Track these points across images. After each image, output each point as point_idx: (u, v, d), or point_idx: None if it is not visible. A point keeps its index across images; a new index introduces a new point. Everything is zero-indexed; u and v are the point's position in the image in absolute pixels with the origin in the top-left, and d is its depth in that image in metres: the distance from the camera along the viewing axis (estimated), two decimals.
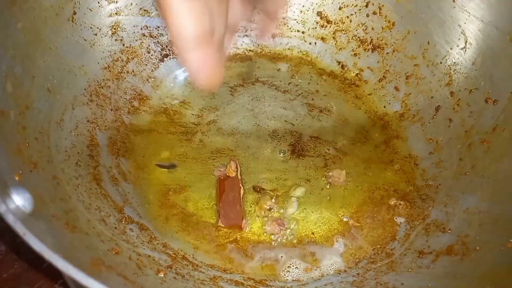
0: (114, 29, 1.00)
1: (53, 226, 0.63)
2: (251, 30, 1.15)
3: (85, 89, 0.92)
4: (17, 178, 0.63)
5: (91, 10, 0.95)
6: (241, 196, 0.86)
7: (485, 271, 0.66)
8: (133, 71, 1.03)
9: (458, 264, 0.72)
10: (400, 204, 0.89)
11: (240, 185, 0.88)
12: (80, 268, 0.50)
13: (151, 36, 1.07)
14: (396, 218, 0.87)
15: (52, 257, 0.45)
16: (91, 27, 0.95)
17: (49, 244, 0.50)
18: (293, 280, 0.79)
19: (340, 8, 1.13)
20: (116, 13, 1.00)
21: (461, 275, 0.69)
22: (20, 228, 0.46)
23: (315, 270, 0.81)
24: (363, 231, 0.86)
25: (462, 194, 0.85)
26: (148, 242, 0.79)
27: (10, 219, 0.47)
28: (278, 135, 1.00)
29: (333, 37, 1.15)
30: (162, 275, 0.72)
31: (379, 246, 0.83)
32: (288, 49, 1.16)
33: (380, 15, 1.10)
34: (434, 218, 0.85)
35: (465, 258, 0.72)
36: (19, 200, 0.55)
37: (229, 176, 0.89)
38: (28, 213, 0.55)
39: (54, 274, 0.83)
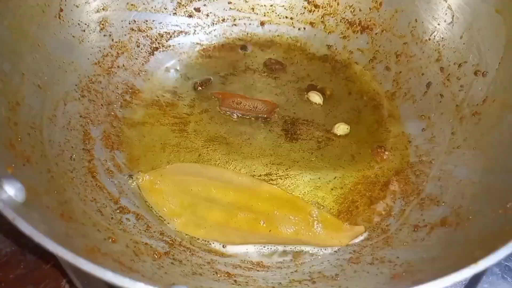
0: (102, 24, 1.01)
1: (47, 216, 0.64)
2: (239, 19, 1.15)
3: (76, 85, 0.93)
4: (9, 171, 0.64)
5: (77, 7, 0.96)
6: None
7: (476, 238, 0.66)
8: (123, 65, 1.04)
9: (452, 234, 0.72)
10: (394, 181, 0.89)
11: None
12: (74, 252, 0.51)
13: (139, 30, 1.07)
14: (391, 195, 0.88)
15: (42, 239, 0.46)
16: (78, 24, 0.96)
17: (43, 230, 0.51)
18: (290, 260, 0.79)
19: None
20: (103, 9, 1.01)
21: (454, 244, 0.69)
22: (9, 213, 0.47)
23: (312, 248, 0.81)
24: (358, 209, 0.86)
25: (455, 167, 0.85)
26: (145, 231, 0.80)
27: (0, 206, 0.48)
28: (270, 121, 1.01)
29: (322, 21, 1.15)
30: (160, 261, 0.73)
31: (374, 224, 0.84)
32: (277, 35, 1.16)
33: None
34: (428, 192, 0.85)
35: (459, 228, 0.72)
36: (11, 190, 0.56)
37: None
38: (20, 202, 0.56)
39: (60, 273, 0.84)
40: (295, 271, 0.77)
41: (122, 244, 0.72)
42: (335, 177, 0.91)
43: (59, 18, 0.92)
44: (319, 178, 0.91)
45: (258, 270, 0.77)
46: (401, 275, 0.67)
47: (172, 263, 0.74)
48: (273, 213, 0.83)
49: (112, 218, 0.78)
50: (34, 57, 0.84)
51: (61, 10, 0.92)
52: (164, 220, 0.83)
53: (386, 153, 0.93)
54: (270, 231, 0.81)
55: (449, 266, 0.58)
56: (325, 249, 0.80)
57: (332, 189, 0.89)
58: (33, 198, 0.63)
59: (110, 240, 0.71)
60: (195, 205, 0.85)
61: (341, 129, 0.99)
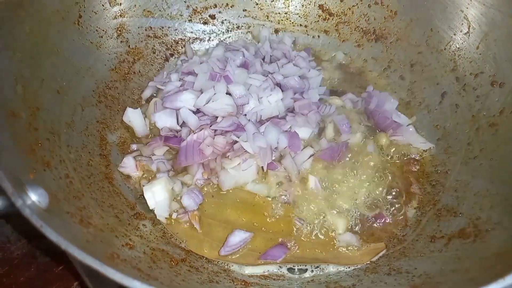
0: (119, 31, 1.02)
1: (68, 222, 0.64)
2: (254, 27, 1.16)
3: (93, 91, 0.94)
4: (31, 176, 0.65)
5: (96, 13, 0.97)
6: None
7: (496, 251, 0.65)
8: (139, 71, 1.05)
9: (470, 246, 0.72)
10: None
11: None
12: (98, 259, 0.51)
13: (155, 37, 1.08)
14: (407, 205, 0.88)
15: (69, 247, 0.46)
16: (96, 30, 0.97)
17: (67, 237, 0.52)
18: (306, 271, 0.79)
19: (341, 0, 1.14)
20: (120, 15, 1.02)
21: (474, 257, 0.69)
22: (37, 221, 0.47)
23: None
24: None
25: (472, 178, 0.85)
26: (162, 237, 0.80)
27: (27, 213, 0.48)
28: None
29: (336, 29, 1.15)
30: (177, 268, 0.73)
31: (390, 233, 0.84)
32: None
33: (382, 5, 1.10)
34: (445, 203, 0.85)
35: (477, 240, 0.72)
36: (35, 196, 0.56)
37: None
38: (44, 208, 0.56)
39: (70, 276, 0.85)
40: (311, 280, 0.77)
41: (140, 251, 0.73)
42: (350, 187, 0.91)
43: (78, 24, 0.93)
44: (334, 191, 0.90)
45: (274, 279, 0.77)
46: (420, 287, 0.67)
47: (189, 270, 0.74)
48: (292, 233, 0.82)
49: (129, 224, 0.79)
50: (53, 63, 0.85)
51: (80, 16, 0.93)
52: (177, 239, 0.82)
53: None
54: (290, 254, 0.80)
55: (470, 280, 0.58)
56: None
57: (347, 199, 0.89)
58: (53, 204, 0.63)
59: (128, 246, 0.72)
60: (210, 226, 0.83)
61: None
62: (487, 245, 0.69)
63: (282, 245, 0.80)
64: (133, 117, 0.95)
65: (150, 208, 0.83)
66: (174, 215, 0.83)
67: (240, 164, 0.85)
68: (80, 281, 0.85)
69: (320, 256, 0.79)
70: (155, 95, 1.03)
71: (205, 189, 0.87)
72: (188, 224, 0.82)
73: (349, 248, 0.81)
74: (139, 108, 0.96)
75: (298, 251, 0.80)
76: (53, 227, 0.51)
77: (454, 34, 1.00)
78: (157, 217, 0.82)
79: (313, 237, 0.82)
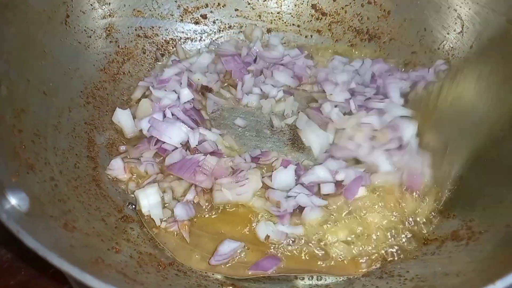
0: (108, 30, 1.00)
1: (51, 225, 0.63)
2: (246, 27, 1.15)
3: (81, 92, 0.92)
4: (13, 180, 0.63)
5: (84, 13, 0.95)
6: None
7: (490, 254, 0.64)
8: (129, 72, 1.03)
9: (464, 248, 0.70)
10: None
11: None
12: (78, 265, 0.50)
13: (145, 37, 1.07)
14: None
15: (46, 253, 0.45)
16: (85, 30, 0.96)
17: (47, 243, 0.50)
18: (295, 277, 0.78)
19: (334, 0, 1.13)
20: (109, 15, 1.00)
21: (467, 260, 0.67)
22: (13, 226, 0.46)
23: None
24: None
25: (465, 180, 0.83)
26: (149, 240, 0.78)
27: (3, 217, 0.47)
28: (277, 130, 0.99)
29: (329, 29, 1.14)
30: (164, 272, 0.71)
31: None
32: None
33: (375, 4, 1.09)
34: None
35: (471, 242, 0.71)
36: (14, 200, 0.55)
37: None
38: (24, 212, 0.55)
39: (61, 279, 0.83)
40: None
41: (126, 255, 0.71)
42: None
43: (66, 24, 0.92)
44: None
45: (264, 282, 0.76)
46: None
47: (176, 274, 0.73)
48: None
49: (116, 227, 0.77)
50: (40, 64, 0.84)
51: (68, 16, 0.92)
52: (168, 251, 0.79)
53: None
54: (282, 265, 0.77)
55: (463, 283, 0.56)
56: None
57: None
58: (36, 208, 0.62)
59: (113, 250, 0.70)
60: (199, 237, 0.80)
61: None
62: (480, 248, 0.68)
63: (274, 256, 0.78)
64: (122, 117, 0.93)
65: (143, 212, 0.80)
66: (163, 224, 0.81)
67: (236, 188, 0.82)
68: (70, 285, 0.83)
69: (314, 267, 0.77)
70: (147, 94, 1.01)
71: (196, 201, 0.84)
72: (176, 234, 0.80)
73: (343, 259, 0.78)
74: (128, 109, 0.95)
75: (291, 261, 0.78)
76: (32, 232, 0.49)
77: (448, 34, 0.99)
78: (153, 218, 0.80)
79: (306, 251, 0.79)
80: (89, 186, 0.81)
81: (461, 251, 0.70)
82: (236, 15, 1.14)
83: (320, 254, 0.78)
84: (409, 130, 0.84)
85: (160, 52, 1.08)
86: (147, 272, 0.69)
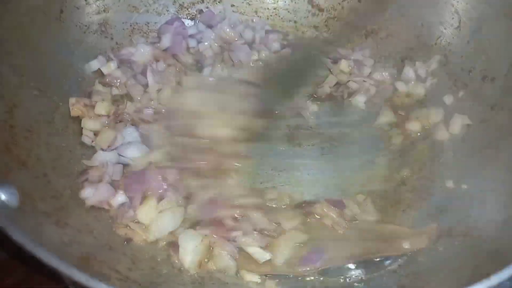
0: (103, 26, 1.00)
1: (42, 222, 0.62)
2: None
3: (75, 88, 0.92)
4: (5, 176, 0.63)
5: (78, 8, 0.95)
6: None
7: (488, 249, 0.64)
8: None
9: (460, 244, 0.70)
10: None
11: None
12: (69, 262, 0.49)
13: (141, 32, 1.06)
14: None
15: (34, 248, 0.44)
16: (79, 25, 0.95)
17: (37, 238, 0.50)
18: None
19: None
20: (104, 10, 0.99)
21: (463, 255, 0.67)
22: (1, 221, 0.45)
23: None
24: None
25: (463, 176, 0.83)
26: None
27: None
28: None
29: (326, 25, 1.13)
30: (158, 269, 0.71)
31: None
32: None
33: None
34: (435, 200, 0.83)
35: (467, 239, 0.70)
36: (4, 195, 0.54)
37: None
38: (13, 208, 0.54)
39: (57, 279, 0.82)
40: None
41: (119, 251, 0.71)
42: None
43: (60, 19, 0.91)
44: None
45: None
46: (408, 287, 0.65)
47: (170, 271, 0.72)
48: None
49: (109, 224, 0.76)
50: (33, 59, 0.83)
51: (62, 11, 0.91)
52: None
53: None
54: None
55: (459, 279, 0.56)
56: None
57: None
58: (28, 204, 0.61)
59: (107, 247, 0.70)
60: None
61: None
62: (478, 243, 0.67)
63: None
64: None
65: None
66: None
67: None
68: (66, 285, 0.82)
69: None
70: None
71: None
72: None
73: None
74: None
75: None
76: (21, 228, 0.49)
77: (445, 29, 0.99)
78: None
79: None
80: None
81: (457, 246, 0.70)
82: (232, 10, 1.13)
83: None
84: None
85: None
86: (141, 269, 0.69)
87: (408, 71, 1.00)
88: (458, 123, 0.89)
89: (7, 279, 0.84)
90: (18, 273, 0.84)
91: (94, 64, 0.95)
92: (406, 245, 0.73)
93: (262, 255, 0.72)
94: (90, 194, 0.75)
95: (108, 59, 0.96)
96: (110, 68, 0.95)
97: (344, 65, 1.03)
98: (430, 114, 0.93)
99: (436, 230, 0.75)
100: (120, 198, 0.75)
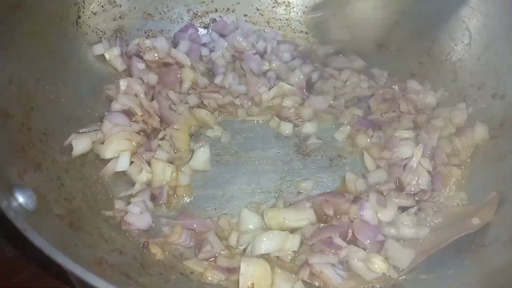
0: (118, 32, 1.01)
1: (56, 224, 0.63)
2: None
3: (91, 91, 0.93)
4: (21, 178, 0.64)
5: (95, 14, 0.96)
6: None
7: (497, 267, 0.64)
8: None
9: (468, 261, 0.70)
10: None
11: None
12: (82, 265, 0.50)
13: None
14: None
15: (52, 252, 0.45)
16: (95, 31, 0.97)
17: (52, 241, 0.51)
18: None
19: None
20: (120, 17, 1.01)
21: (471, 272, 0.67)
22: (21, 224, 0.46)
23: None
24: None
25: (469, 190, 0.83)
26: None
27: (11, 215, 0.47)
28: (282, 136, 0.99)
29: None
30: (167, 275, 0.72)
31: None
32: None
33: (383, 14, 1.09)
34: None
35: (475, 256, 0.70)
36: (22, 198, 0.55)
37: None
38: (31, 211, 0.55)
39: (64, 278, 0.83)
40: None
41: (130, 256, 0.71)
42: None
43: (77, 25, 0.93)
44: None
45: None
46: None
47: (178, 277, 0.73)
48: None
49: (120, 228, 0.77)
50: (50, 63, 0.85)
51: (79, 17, 0.93)
52: None
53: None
54: None
55: None
56: None
57: None
58: (42, 206, 0.62)
59: (117, 251, 0.70)
60: None
61: None
62: (486, 261, 0.68)
63: None
64: None
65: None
66: None
67: None
68: (72, 286, 0.83)
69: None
70: None
71: None
72: None
73: None
74: None
75: None
76: (39, 230, 0.50)
77: (456, 45, 1.00)
78: None
79: None
80: (94, 186, 0.81)
81: (463, 262, 0.70)
82: (245, 20, 1.15)
83: None
84: None
85: None
86: (150, 275, 0.69)
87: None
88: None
89: (14, 278, 0.85)
90: (24, 273, 0.85)
91: (98, 48, 0.96)
92: (475, 221, 0.74)
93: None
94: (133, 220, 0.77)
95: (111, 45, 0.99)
96: (113, 53, 0.97)
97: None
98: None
99: (497, 197, 0.77)
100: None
